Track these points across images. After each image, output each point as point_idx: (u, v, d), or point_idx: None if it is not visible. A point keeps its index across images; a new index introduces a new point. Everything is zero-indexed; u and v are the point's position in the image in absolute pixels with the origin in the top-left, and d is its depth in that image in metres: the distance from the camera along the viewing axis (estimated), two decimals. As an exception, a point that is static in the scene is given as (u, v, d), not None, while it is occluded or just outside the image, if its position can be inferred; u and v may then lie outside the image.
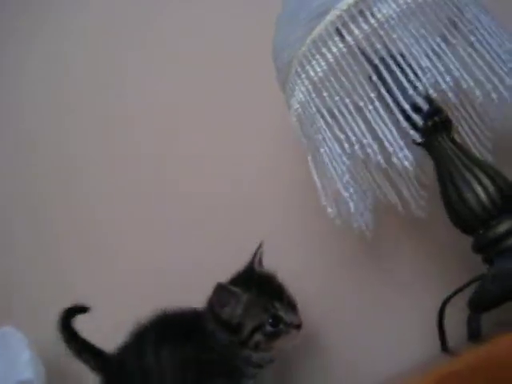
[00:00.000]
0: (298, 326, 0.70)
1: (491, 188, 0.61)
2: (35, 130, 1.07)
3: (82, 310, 0.77)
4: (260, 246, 0.76)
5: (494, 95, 0.57)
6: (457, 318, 0.65)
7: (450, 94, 0.55)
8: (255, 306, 0.70)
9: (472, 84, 0.56)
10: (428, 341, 0.71)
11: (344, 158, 0.62)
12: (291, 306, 0.72)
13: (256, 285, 0.71)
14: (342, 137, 0.62)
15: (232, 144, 0.94)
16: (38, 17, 1.10)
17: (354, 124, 0.61)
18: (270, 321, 0.69)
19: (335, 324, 0.83)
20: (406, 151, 0.57)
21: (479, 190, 0.61)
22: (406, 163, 0.57)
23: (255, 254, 0.76)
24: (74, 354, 0.76)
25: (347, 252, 0.85)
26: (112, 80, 1.03)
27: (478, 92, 0.56)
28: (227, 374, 0.69)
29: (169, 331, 0.72)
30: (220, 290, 0.70)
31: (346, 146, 0.62)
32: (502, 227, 0.61)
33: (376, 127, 0.59)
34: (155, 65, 1.02)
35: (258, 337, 0.69)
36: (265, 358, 0.71)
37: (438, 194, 0.67)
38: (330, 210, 0.67)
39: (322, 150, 0.65)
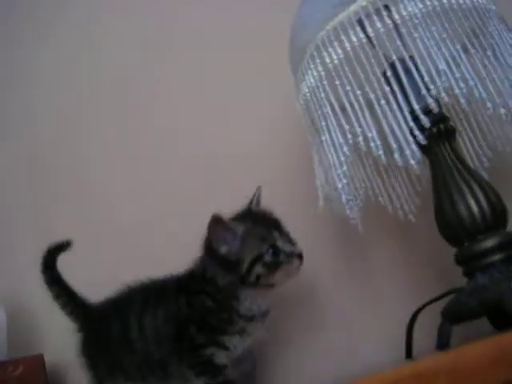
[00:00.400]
0: (299, 256, 0.68)
1: (484, 203, 0.61)
2: (37, 131, 1.07)
3: (64, 246, 0.75)
4: (258, 189, 0.74)
5: (502, 110, 0.57)
6: (428, 329, 0.64)
7: (462, 100, 0.55)
8: (252, 237, 0.67)
9: (484, 95, 0.56)
10: (397, 348, 0.70)
11: (345, 149, 0.62)
12: (290, 237, 0.70)
13: (252, 218, 0.70)
14: (347, 127, 0.61)
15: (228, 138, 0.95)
16: (45, 23, 1.12)
17: (361, 116, 0.60)
18: (270, 251, 0.67)
19: (303, 316, 0.83)
20: (415, 147, 0.56)
21: (472, 202, 0.61)
22: (413, 162, 0.56)
23: (253, 197, 0.73)
24: (53, 296, 0.74)
25: (328, 248, 0.85)
26: (113, 80, 1.04)
27: (489, 104, 0.56)
28: (213, 326, 0.66)
29: (156, 294, 0.70)
30: (216, 222, 0.66)
31: (350, 136, 0.61)
32: (488, 243, 0.61)
33: (385, 122, 0.58)
34: (155, 65, 1.02)
35: (258, 269, 0.66)
36: (260, 306, 0.68)
37: (428, 201, 0.67)
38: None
39: (323, 138, 0.64)
